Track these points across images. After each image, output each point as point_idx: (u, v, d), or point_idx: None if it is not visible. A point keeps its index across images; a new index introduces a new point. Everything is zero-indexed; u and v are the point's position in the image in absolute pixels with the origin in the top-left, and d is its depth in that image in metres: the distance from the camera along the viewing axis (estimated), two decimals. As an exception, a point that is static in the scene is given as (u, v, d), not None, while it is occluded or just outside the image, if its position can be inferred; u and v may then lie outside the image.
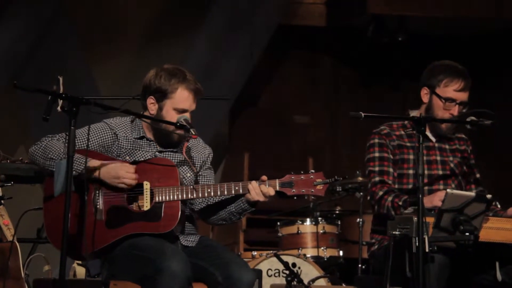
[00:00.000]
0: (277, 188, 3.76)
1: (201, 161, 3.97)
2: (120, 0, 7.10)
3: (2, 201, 4.35)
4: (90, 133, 3.80)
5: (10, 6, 6.59)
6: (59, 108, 3.51)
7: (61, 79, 3.68)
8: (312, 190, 3.76)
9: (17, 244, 4.28)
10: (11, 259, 4.18)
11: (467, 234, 3.68)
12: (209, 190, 3.75)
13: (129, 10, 7.12)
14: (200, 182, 3.94)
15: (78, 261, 4.67)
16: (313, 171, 3.81)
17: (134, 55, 6.85)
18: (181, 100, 3.84)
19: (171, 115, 3.84)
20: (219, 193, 3.76)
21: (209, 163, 4.02)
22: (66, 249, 3.40)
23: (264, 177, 3.76)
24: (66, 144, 3.70)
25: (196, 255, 3.78)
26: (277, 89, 8.35)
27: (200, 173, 3.95)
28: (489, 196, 3.82)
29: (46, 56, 6.63)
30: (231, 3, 7.09)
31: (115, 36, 7.09)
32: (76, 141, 3.68)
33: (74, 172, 3.56)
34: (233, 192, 3.76)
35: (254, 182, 3.74)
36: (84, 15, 6.96)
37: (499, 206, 4.15)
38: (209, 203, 3.93)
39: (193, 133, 3.81)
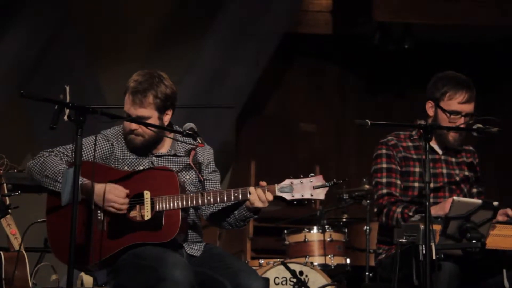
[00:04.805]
0: (276, 193, 3.71)
1: (203, 164, 3.94)
2: (127, 9, 7.11)
3: (9, 211, 4.39)
4: (89, 145, 3.81)
5: (17, 15, 6.62)
6: (66, 117, 3.51)
7: (68, 88, 3.69)
8: (312, 194, 3.70)
9: (25, 253, 4.31)
10: (18, 268, 4.20)
11: (474, 241, 3.68)
12: (208, 197, 3.72)
13: (136, 19, 7.15)
14: (206, 186, 3.92)
15: (83, 272, 4.68)
16: (313, 174, 3.74)
17: (141, 64, 6.82)
18: (125, 104, 3.82)
19: (126, 122, 3.82)
20: (218, 200, 3.72)
21: (213, 165, 3.98)
22: (73, 258, 3.39)
23: (263, 183, 3.72)
24: (63, 159, 3.77)
25: (203, 264, 3.77)
26: (283, 97, 8.38)
27: (205, 177, 3.94)
28: (495, 203, 3.83)
29: (52, 65, 6.67)
30: (238, 12, 7.10)
31: (122, 44, 7.12)
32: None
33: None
34: (232, 198, 3.72)
35: (252, 188, 3.70)
36: (91, 24, 6.99)
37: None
38: (214, 209, 3.91)
39: (200, 141, 3.80)
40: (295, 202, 3.74)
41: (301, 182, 3.70)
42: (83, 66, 6.83)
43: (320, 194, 3.71)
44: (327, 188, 3.71)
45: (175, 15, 7.16)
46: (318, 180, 3.71)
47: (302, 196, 3.70)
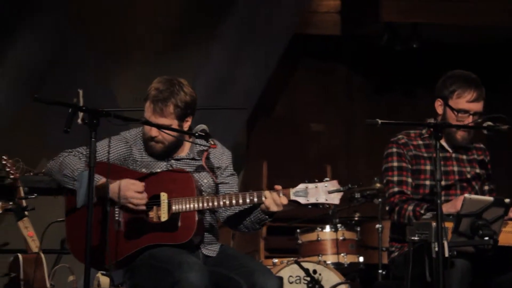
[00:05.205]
0: (291, 197, 3.73)
1: (221, 168, 3.97)
2: (137, 12, 7.10)
3: (26, 213, 4.46)
4: (107, 146, 3.83)
5: (29, 20, 6.64)
6: (79, 121, 3.56)
7: (81, 92, 3.73)
8: (326, 198, 3.71)
9: (42, 255, 4.37)
10: (36, 270, 4.27)
11: (486, 238, 3.70)
12: (224, 200, 3.75)
13: (146, 22, 7.12)
14: (223, 189, 3.95)
15: (102, 271, 4.72)
16: (327, 179, 3.76)
17: (152, 66, 6.84)
18: (146, 111, 3.86)
19: (147, 127, 3.86)
20: (234, 202, 3.75)
21: (231, 169, 4.00)
22: (90, 259, 3.45)
23: (278, 187, 3.74)
24: (82, 159, 3.81)
25: (218, 264, 3.82)
26: (292, 97, 8.39)
27: (222, 180, 3.97)
28: (507, 200, 3.82)
29: (65, 69, 6.67)
30: (247, 14, 7.10)
31: (133, 47, 7.11)
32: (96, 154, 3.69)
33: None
34: (248, 201, 3.75)
35: (267, 192, 3.73)
36: (102, 28, 6.97)
37: None
38: (231, 212, 3.95)
39: (212, 142, 3.85)
40: (309, 206, 3.75)
41: (316, 187, 3.71)
42: (94, 69, 6.83)
43: (335, 199, 3.72)
44: (341, 193, 3.72)
45: (185, 18, 7.15)
46: (332, 184, 3.72)
47: (317, 200, 3.71)
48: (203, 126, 3.87)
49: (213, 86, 6.84)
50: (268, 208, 3.73)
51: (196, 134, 3.85)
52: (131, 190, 3.72)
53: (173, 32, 7.18)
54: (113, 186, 3.71)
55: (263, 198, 3.72)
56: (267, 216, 3.82)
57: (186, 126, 3.89)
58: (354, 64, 8.40)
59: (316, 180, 3.74)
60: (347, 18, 7.95)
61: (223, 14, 7.10)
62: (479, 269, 3.89)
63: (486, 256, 3.80)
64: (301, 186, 3.73)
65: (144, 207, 3.76)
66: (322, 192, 3.71)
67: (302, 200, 3.72)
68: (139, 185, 3.74)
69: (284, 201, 3.71)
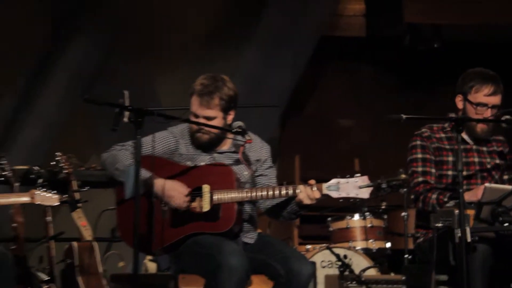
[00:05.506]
0: (324, 191, 3.88)
1: (261, 161, 4.14)
2: (173, 16, 7.19)
3: (79, 205, 4.67)
4: (155, 140, 4.04)
5: (79, 26, 6.80)
6: (126, 119, 3.71)
7: (126, 93, 3.92)
8: (357, 193, 3.85)
9: (95, 243, 4.62)
10: (89, 256, 4.54)
11: (506, 224, 3.83)
12: (262, 192, 3.92)
13: (183, 26, 7.21)
14: (262, 181, 4.13)
15: (149, 257, 4.97)
16: (358, 174, 3.88)
17: (190, 67, 6.91)
18: (192, 105, 4.06)
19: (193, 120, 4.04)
20: (271, 194, 3.91)
21: (270, 162, 4.17)
22: (138, 247, 3.65)
23: (312, 181, 3.90)
24: (132, 153, 3.99)
25: (257, 250, 4.01)
26: (322, 95, 8.40)
27: (261, 172, 4.14)
28: (525, 189, 3.90)
29: (112, 71, 6.84)
30: (279, 17, 7.19)
31: (171, 51, 7.21)
32: (143, 148, 3.85)
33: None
34: (283, 194, 3.91)
35: (301, 186, 3.88)
36: (144, 32, 7.09)
37: None
38: (269, 204, 4.11)
39: (248, 137, 4.04)
40: (341, 200, 3.90)
41: (347, 182, 3.86)
42: (139, 71, 6.94)
43: (365, 193, 3.87)
44: (371, 188, 3.87)
45: (219, 20, 7.23)
46: (363, 180, 3.87)
47: (348, 194, 3.86)
48: (240, 123, 4.05)
49: (247, 86, 6.86)
50: (301, 201, 3.90)
51: (234, 130, 4.03)
52: (177, 191, 3.91)
53: (210, 34, 7.27)
54: (158, 185, 3.89)
55: (298, 191, 3.89)
56: (300, 208, 3.98)
57: (229, 119, 4.08)
58: (379, 64, 8.43)
59: (348, 176, 3.89)
60: (371, 20, 8.01)
61: (256, 18, 7.17)
62: (500, 254, 3.99)
63: (506, 241, 3.93)
64: (333, 181, 3.88)
65: (185, 208, 3.94)
66: (353, 187, 3.86)
67: (334, 194, 3.88)
68: (185, 189, 3.91)
69: (317, 195, 3.87)
